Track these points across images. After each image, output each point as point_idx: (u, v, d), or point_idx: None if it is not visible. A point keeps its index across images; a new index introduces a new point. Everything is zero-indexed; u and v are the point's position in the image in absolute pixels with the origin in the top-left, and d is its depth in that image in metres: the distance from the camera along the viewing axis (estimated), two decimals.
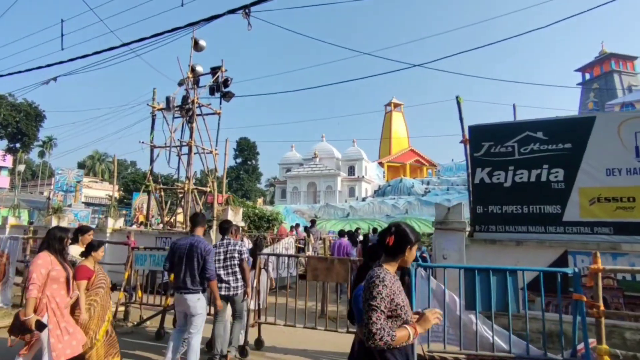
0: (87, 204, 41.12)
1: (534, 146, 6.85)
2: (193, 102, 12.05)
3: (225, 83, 13.11)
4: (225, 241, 5.38)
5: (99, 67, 18.57)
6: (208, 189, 12.43)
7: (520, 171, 6.92)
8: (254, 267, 5.74)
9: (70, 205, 33.51)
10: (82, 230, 5.17)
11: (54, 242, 3.78)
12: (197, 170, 11.46)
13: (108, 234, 11.10)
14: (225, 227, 5.53)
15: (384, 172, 53.44)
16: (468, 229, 7.00)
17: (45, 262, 3.64)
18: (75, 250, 4.80)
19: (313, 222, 11.73)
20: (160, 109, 12.62)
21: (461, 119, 7.51)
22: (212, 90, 13.16)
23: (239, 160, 66.08)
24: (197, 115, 12.34)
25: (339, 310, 6.38)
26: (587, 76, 51.87)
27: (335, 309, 6.82)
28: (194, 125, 12.00)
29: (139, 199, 31.32)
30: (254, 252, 5.95)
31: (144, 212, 25.40)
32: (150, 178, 12.03)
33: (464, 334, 4.48)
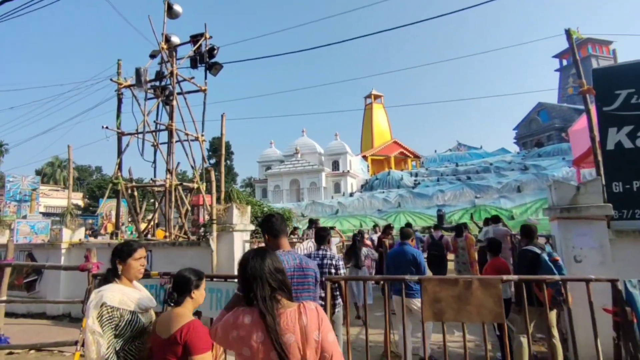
0: (46, 214, 36.75)
1: None
2: (172, 74, 9.29)
3: (211, 53, 10.39)
4: (321, 252, 4.44)
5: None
6: (194, 185, 9.72)
7: None
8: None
9: (25, 217, 29.39)
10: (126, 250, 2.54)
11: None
12: (179, 161, 9.07)
13: (63, 250, 8.22)
14: (323, 236, 4.59)
15: (367, 166, 51.51)
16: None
17: None
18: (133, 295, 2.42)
19: (310, 221, 9.07)
20: (129, 86, 9.77)
21: (575, 60, 5.26)
22: (195, 62, 10.39)
23: (212, 161, 62.52)
24: (177, 94, 9.58)
25: None
26: (565, 62, 51.89)
27: None
28: (175, 103, 9.25)
29: (107, 205, 27.82)
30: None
31: (113, 219, 22.05)
32: (119, 173, 9.20)
33: None
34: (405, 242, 5.13)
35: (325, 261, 4.28)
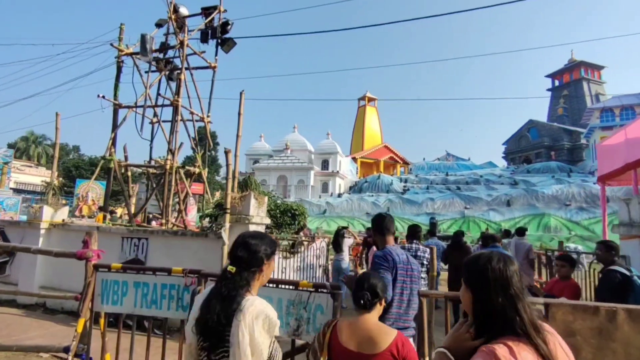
0: (17, 191, 34.64)
1: None
2: (182, 44, 8.35)
3: (224, 27, 9.50)
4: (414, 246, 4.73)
5: None
6: (196, 169, 8.79)
7: None
8: None
9: None
10: None
11: None
12: (182, 141, 8.13)
13: (42, 231, 7.19)
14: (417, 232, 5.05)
15: (357, 168, 51.07)
16: None
17: None
18: None
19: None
20: (131, 54, 8.76)
21: None
22: (205, 36, 9.47)
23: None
24: (185, 68, 8.63)
25: None
26: (557, 82, 52.76)
27: None
28: (183, 77, 8.31)
29: (83, 186, 26.25)
30: None
31: (89, 201, 20.69)
32: (113, 149, 8.18)
33: None
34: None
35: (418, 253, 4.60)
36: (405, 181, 42.22)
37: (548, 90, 53.35)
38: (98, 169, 8.56)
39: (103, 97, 8.25)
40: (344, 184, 45.15)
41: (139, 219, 8.38)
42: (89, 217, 15.60)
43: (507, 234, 8.84)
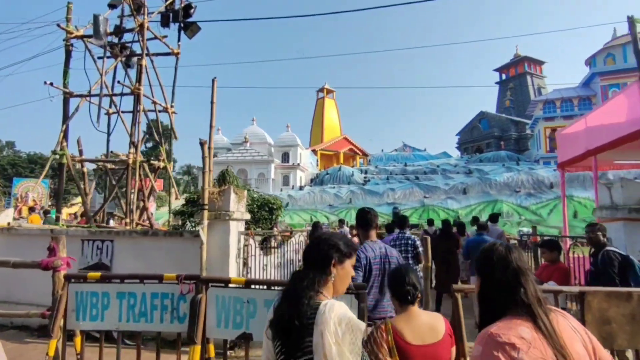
0: None
1: None
2: (142, 27, 7.64)
3: (187, 11, 8.87)
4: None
5: None
6: (161, 164, 8.16)
7: None
8: None
9: None
10: None
11: None
12: (146, 133, 7.38)
13: None
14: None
15: (317, 160, 51.03)
16: None
17: None
18: None
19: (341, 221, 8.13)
20: (81, 37, 7.89)
21: (637, 50, 4.87)
22: (167, 20, 8.79)
23: (149, 144, 57.72)
24: (145, 55, 7.92)
25: None
26: (504, 76, 55.63)
27: None
28: (144, 63, 7.61)
29: (22, 185, 24.00)
30: None
31: (30, 201, 18.96)
32: (64, 143, 7.34)
33: None
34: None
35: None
36: (366, 172, 42.79)
37: (496, 83, 56.16)
38: (48, 164, 7.67)
39: (51, 84, 7.39)
40: (305, 177, 44.96)
41: (84, 218, 7.64)
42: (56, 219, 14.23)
43: (475, 220, 9.07)
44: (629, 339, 2.24)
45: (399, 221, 5.74)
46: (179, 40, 8.70)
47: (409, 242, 5.05)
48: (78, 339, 2.89)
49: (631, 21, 4.84)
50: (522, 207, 28.65)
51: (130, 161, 7.15)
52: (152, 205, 16.52)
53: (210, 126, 6.02)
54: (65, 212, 18.72)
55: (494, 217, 8.40)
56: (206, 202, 5.32)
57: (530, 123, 42.20)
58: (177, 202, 9.91)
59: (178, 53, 8.59)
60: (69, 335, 2.96)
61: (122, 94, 7.82)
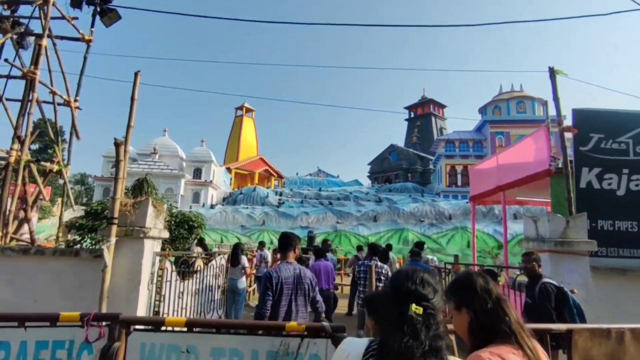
0: None
1: None
2: (46, 1, 6.39)
3: None
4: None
5: None
6: (54, 166, 6.74)
7: (636, 176, 5.20)
8: None
9: None
10: None
11: None
12: (39, 127, 5.99)
13: None
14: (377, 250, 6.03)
15: (231, 179, 49.21)
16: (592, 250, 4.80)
17: None
18: None
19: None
20: None
21: (556, 98, 5.38)
22: (78, 1, 7.59)
23: (35, 146, 49.91)
24: (47, 36, 6.61)
25: None
26: (412, 114, 60.98)
27: None
28: (44, 42, 6.32)
29: None
30: None
31: None
32: None
33: None
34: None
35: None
36: (281, 194, 42.43)
37: (405, 120, 61.21)
38: None
39: None
40: (217, 195, 42.86)
41: None
42: None
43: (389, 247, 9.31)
44: None
45: (371, 250, 6.10)
46: (92, 25, 7.50)
47: (382, 271, 5.50)
48: None
49: (552, 71, 5.39)
50: (425, 235, 30.81)
51: (12, 159, 5.72)
52: (34, 217, 13.87)
53: (128, 126, 5.11)
54: None
55: (419, 245, 8.63)
56: (116, 214, 4.38)
57: (433, 159, 46.46)
58: (70, 215, 8.32)
59: (90, 40, 7.38)
60: None
61: (8, 76, 6.32)
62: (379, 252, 6.08)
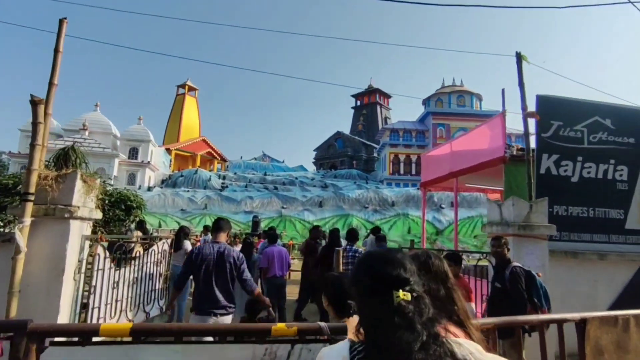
0: None
1: (602, 135, 5.45)
2: None
3: None
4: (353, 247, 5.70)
5: None
6: None
7: (588, 164, 5.38)
8: None
9: None
10: None
11: None
12: None
13: None
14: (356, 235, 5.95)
15: (170, 160, 46.46)
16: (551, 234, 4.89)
17: None
18: None
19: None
20: None
21: (521, 84, 5.37)
22: None
23: None
24: None
25: None
26: (359, 102, 61.70)
27: None
28: None
29: None
30: None
31: None
32: None
33: None
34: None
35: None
36: (224, 178, 40.95)
37: (352, 108, 61.79)
38: None
39: None
40: (155, 177, 40.22)
41: None
42: None
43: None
44: None
45: (349, 235, 6.06)
46: None
47: (357, 255, 5.45)
48: None
49: (519, 57, 5.36)
50: (369, 221, 31.50)
51: None
52: None
53: (50, 83, 4.20)
54: None
55: (376, 230, 8.52)
56: (32, 189, 3.57)
57: (378, 147, 47.51)
58: None
59: None
60: None
61: None
62: (354, 237, 6.09)
